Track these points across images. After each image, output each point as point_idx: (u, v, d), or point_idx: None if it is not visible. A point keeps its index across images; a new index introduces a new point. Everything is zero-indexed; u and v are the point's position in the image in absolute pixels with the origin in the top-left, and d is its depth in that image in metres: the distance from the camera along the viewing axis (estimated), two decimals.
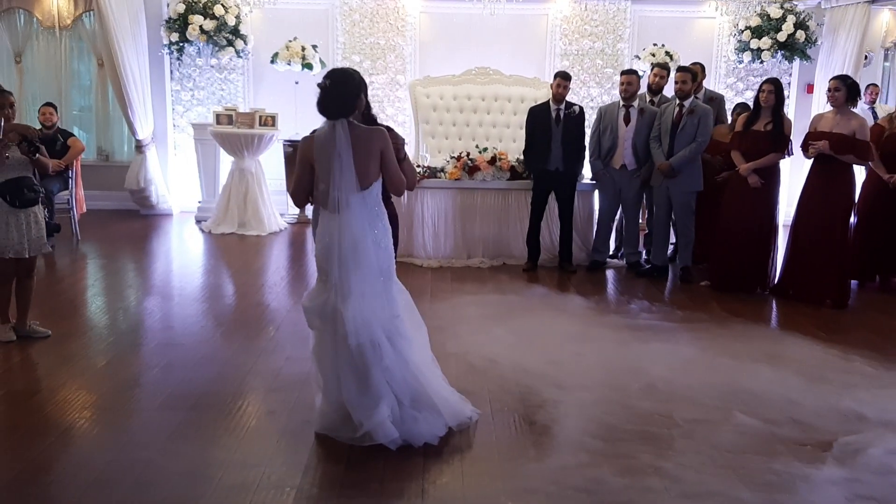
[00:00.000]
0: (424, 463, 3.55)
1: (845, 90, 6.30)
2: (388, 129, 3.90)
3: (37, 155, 4.96)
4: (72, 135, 8.40)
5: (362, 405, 3.62)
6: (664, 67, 7.57)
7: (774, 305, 6.49)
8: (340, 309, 3.60)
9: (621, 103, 7.30)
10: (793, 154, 6.67)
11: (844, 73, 8.77)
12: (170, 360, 4.86)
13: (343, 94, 3.59)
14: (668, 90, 7.55)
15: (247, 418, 4.03)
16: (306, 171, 3.69)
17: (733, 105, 7.96)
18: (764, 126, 6.49)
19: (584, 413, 4.12)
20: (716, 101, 7.59)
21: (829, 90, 6.38)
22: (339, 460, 3.56)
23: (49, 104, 8.37)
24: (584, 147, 7.47)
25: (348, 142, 3.54)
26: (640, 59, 9.48)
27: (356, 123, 3.65)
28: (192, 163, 9.86)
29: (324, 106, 3.59)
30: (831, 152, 6.25)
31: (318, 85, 3.62)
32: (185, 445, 3.71)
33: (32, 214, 5.04)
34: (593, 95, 10.01)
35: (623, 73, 7.34)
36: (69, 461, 3.55)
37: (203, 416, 4.02)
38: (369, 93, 3.87)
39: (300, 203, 3.87)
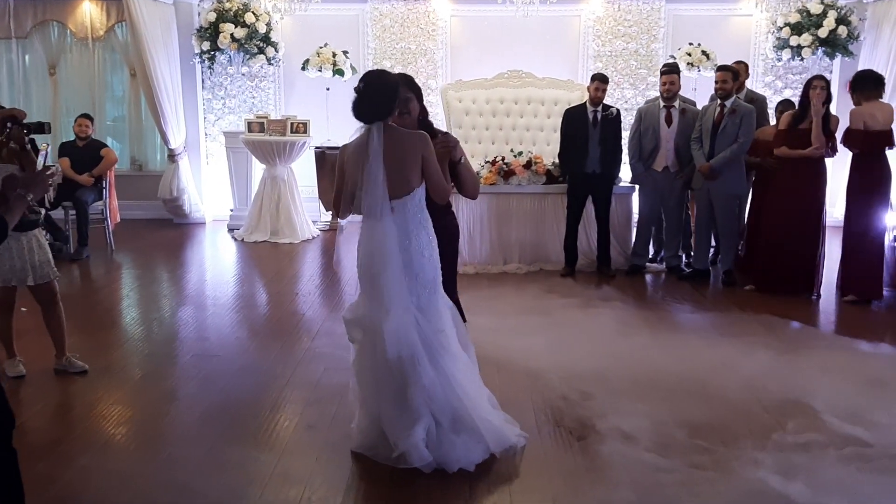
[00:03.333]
0: (471, 484, 3.41)
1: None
2: (445, 133, 3.73)
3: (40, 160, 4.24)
4: (105, 145, 8.41)
5: (399, 424, 3.48)
6: (672, 71, 7.19)
7: (826, 308, 6.28)
8: (380, 322, 3.47)
9: (662, 104, 7.13)
10: (837, 152, 6.48)
11: (889, 68, 8.57)
12: (206, 372, 4.79)
13: (377, 96, 3.44)
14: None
15: (286, 432, 3.93)
16: (342, 179, 3.57)
17: (774, 104, 7.74)
18: (809, 124, 6.31)
19: (638, 426, 3.97)
20: (757, 101, 7.36)
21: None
22: (381, 480, 3.44)
23: (85, 115, 8.39)
24: (622, 149, 7.33)
25: (380, 146, 3.39)
26: (675, 58, 9.27)
27: (395, 127, 3.51)
28: (225, 171, 9.84)
29: (358, 109, 3.45)
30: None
31: (354, 88, 3.49)
32: (223, 461, 3.62)
33: (34, 238, 4.57)
34: (627, 97, 9.84)
35: (664, 72, 7.17)
36: (108, 478, 3.48)
37: (241, 431, 3.94)
38: None
39: (342, 214, 3.67)
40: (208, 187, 10.17)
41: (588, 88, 7.26)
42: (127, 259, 8.13)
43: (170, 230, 9.64)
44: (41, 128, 4.16)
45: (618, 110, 7.26)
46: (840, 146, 6.45)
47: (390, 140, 3.43)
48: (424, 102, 3.98)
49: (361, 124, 3.48)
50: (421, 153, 3.48)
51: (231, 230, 9.48)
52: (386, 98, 3.45)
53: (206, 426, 4.00)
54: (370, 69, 3.68)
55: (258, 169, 9.53)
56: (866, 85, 6.28)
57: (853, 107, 6.33)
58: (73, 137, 8.37)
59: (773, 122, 7.46)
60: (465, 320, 4.07)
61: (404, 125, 3.62)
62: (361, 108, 3.45)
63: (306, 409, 4.21)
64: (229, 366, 4.90)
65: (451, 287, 3.98)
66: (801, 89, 6.65)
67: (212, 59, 9.56)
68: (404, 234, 3.50)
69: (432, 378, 3.49)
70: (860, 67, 9.15)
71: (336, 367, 4.74)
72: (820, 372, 4.77)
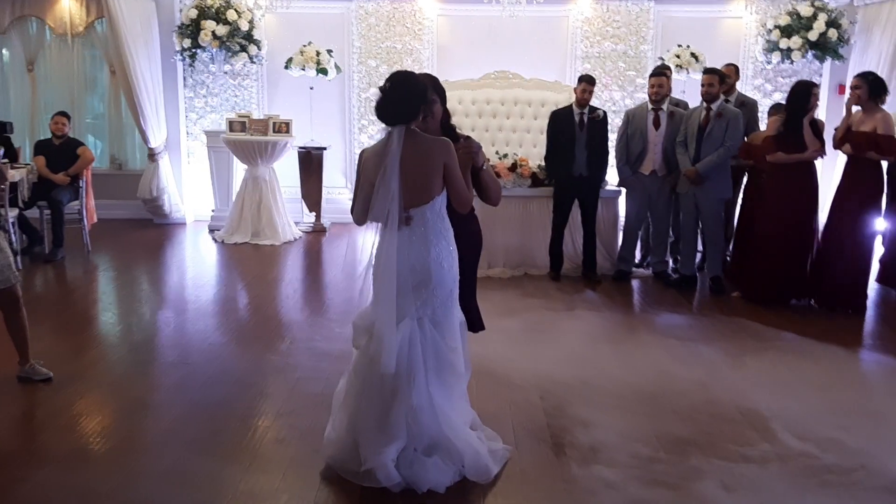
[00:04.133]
0: (446, 501, 3.27)
1: (867, 87, 6.08)
2: (467, 137, 3.58)
3: None
4: (81, 144, 8.22)
5: (374, 440, 3.33)
6: (661, 73, 7.07)
7: (813, 317, 6.16)
8: (386, 332, 3.31)
9: (650, 106, 7.01)
10: (826, 155, 6.38)
11: (880, 73, 8.46)
12: (177, 380, 4.64)
13: (402, 97, 3.26)
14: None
15: (254, 446, 3.77)
16: (366, 186, 3.38)
17: (766, 107, 7.63)
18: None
19: (617, 436, 3.86)
20: (748, 106, 7.24)
21: (851, 88, 6.18)
22: (351, 499, 3.29)
23: (62, 113, 8.18)
24: (609, 152, 7.20)
25: (399, 151, 3.22)
26: (664, 60, 9.16)
27: (418, 132, 3.33)
28: (206, 171, 9.67)
29: (381, 110, 3.29)
30: (852, 152, 6.07)
31: (379, 88, 3.33)
32: (188, 475, 3.48)
33: None
34: (615, 99, 9.73)
35: (653, 74, 7.04)
36: (65, 494, 3.32)
37: (208, 443, 3.78)
38: None
39: (361, 221, 3.48)
40: (189, 187, 9.99)
41: (575, 90, 7.13)
42: (104, 260, 7.95)
43: (149, 231, 9.46)
44: (3, 128, 3.99)
45: (605, 112, 7.13)
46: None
47: (412, 146, 3.27)
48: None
49: (383, 126, 3.32)
50: (443, 161, 3.31)
51: (212, 231, 9.32)
52: (412, 101, 3.29)
53: (172, 438, 3.84)
54: (397, 70, 3.52)
55: (240, 169, 9.36)
56: (882, 89, 6.16)
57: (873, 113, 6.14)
58: (49, 135, 8.18)
59: (761, 127, 7.36)
60: (483, 328, 4.00)
61: (427, 129, 3.45)
62: (385, 110, 3.28)
63: (277, 421, 4.06)
64: (201, 374, 4.74)
65: (470, 293, 3.86)
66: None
67: (193, 56, 9.39)
68: (423, 244, 3.34)
69: (422, 400, 3.35)
70: (850, 71, 9.09)
71: (310, 376, 4.61)
72: (801, 383, 4.67)
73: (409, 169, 3.25)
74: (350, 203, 3.61)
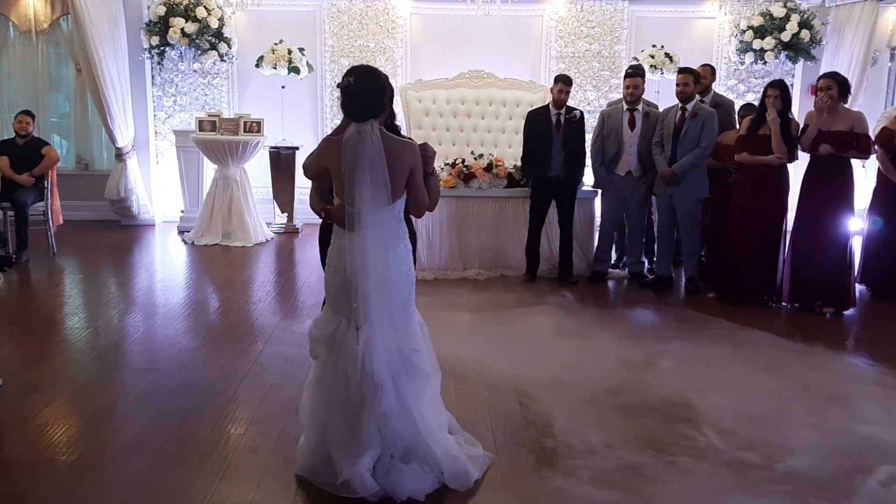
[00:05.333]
0: None
1: (837, 87, 6.07)
2: (424, 144, 3.48)
3: None
4: (46, 143, 8.01)
5: (346, 451, 3.23)
6: (636, 74, 7.00)
7: (787, 316, 6.17)
8: (351, 340, 3.22)
9: (625, 107, 6.97)
10: (797, 158, 6.38)
11: (851, 73, 8.53)
12: (144, 387, 4.49)
13: (370, 91, 3.16)
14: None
15: (226, 455, 3.65)
16: (326, 178, 3.30)
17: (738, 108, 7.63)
18: (768, 130, 6.21)
19: (596, 440, 3.80)
20: (724, 106, 7.24)
21: (821, 89, 6.11)
22: None
23: (26, 112, 7.96)
24: (585, 153, 7.15)
25: (381, 147, 3.11)
26: (638, 60, 9.15)
27: (385, 132, 3.22)
28: (175, 171, 9.49)
29: (349, 106, 3.16)
30: (833, 152, 6.03)
31: (339, 84, 3.20)
32: (157, 487, 3.35)
33: None
34: (590, 99, 9.71)
35: (628, 74, 6.99)
36: (35, 500, 3.21)
37: (178, 453, 3.66)
38: None
39: (316, 206, 3.44)
40: (158, 188, 9.81)
41: (551, 90, 7.07)
42: (70, 263, 7.76)
43: (117, 232, 9.26)
44: None
45: (581, 113, 7.08)
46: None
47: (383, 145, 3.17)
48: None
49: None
50: (411, 165, 3.23)
51: (181, 232, 9.14)
52: (378, 94, 3.18)
53: (140, 448, 3.71)
54: (355, 65, 3.40)
55: (210, 169, 9.20)
56: (849, 89, 6.22)
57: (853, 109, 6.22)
58: (13, 135, 7.96)
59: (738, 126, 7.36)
60: None
61: None
62: (353, 105, 3.16)
63: (249, 428, 3.94)
64: (170, 380, 4.60)
65: None
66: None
67: (161, 54, 9.21)
68: (386, 247, 3.24)
69: (392, 406, 3.25)
70: (822, 72, 9.14)
71: (283, 382, 4.50)
72: (776, 385, 4.65)
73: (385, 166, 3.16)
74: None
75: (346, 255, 3.22)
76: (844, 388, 4.65)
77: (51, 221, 7.93)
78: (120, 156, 9.23)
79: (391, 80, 3.40)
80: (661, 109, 7.16)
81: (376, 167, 3.12)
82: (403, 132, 3.81)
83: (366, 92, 3.17)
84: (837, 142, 6.02)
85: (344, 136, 3.19)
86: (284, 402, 4.18)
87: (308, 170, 3.45)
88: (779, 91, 6.20)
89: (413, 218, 3.72)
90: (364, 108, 3.16)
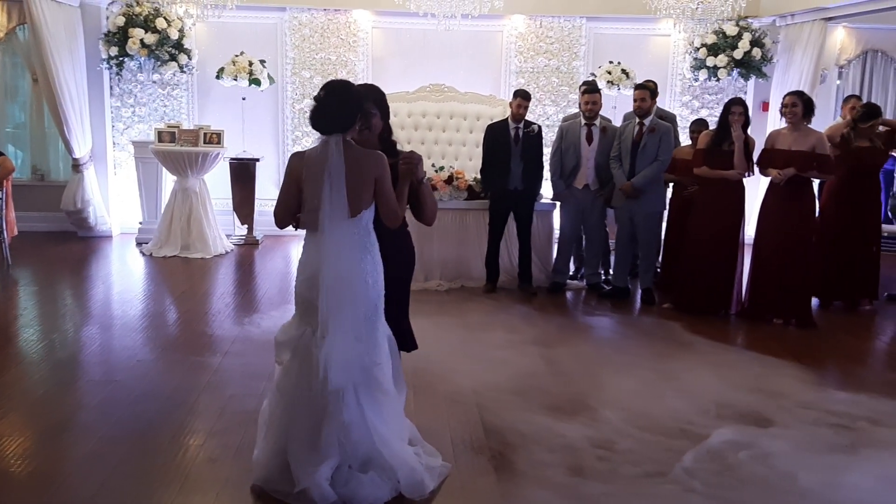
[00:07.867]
0: None
1: (802, 105, 6.21)
2: (411, 153, 3.53)
3: None
4: (2, 154, 7.89)
5: (305, 460, 3.25)
6: (595, 90, 7.18)
7: (740, 327, 6.32)
8: (315, 347, 3.25)
9: (583, 122, 7.10)
10: (753, 174, 6.54)
11: (800, 90, 8.76)
12: (103, 399, 4.45)
13: (338, 106, 3.21)
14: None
15: (185, 466, 3.65)
16: (292, 189, 3.32)
17: (689, 123, 7.81)
18: (729, 146, 6.36)
19: (555, 448, 3.87)
20: (667, 120, 7.41)
21: (786, 106, 6.27)
22: None
23: None
24: (543, 166, 7.27)
25: (341, 160, 3.16)
26: (595, 76, 9.32)
27: (352, 144, 3.27)
28: (133, 182, 9.40)
29: (316, 119, 3.22)
30: (797, 173, 6.17)
31: (314, 97, 3.27)
32: (117, 498, 3.34)
33: None
34: (549, 114, 9.85)
35: (586, 91, 7.13)
36: None
37: (137, 465, 3.64)
38: None
39: (282, 224, 3.44)
40: (115, 199, 9.69)
41: (510, 104, 7.18)
42: (25, 274, 7.63)
43: (73, 244, 9.13)
44: None
45: (539, 127, 7.20)
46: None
47: (347, 157, 3.20)
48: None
49: (319, 136, 3.25)
50: (375, 175, 3.26)
51: (139, 244, 9.05)
52: (347, 109, 3.23)
53: (98, 460, 3.68)
54: (333, 79, 3.44)
55: (169, 180, 9.13)
56: (813, 109, 6.32)
57: (769, 129, 6.37)
58: None
59: (682, 141, 7.53)
60: (416, 347, 3.91)
61: (364, 142, 3.39)
62: (320, 119, 3.22)
63: (209, 440, 3.93)
64: (128, 392, 4.57)
65: (402, 313, 3.80)
66: (717, 109, 6.73)
67: (120, 65, 9.14)
68: (351, 258, 3.28)
69: (353, 416, 3.28)
70: (774, 89, 9.41)
71: (243, 392, 4.50)
72: (727, 391, 4.77)
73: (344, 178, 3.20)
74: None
75: (312, 262, 3.27)
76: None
77: (5, 233, 7.80)
78: (77, 166, 9.11)
79: None
80: (614, 123, 7.32)
81: (336, 181, 3.17)
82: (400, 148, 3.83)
83: (333, 106, 3.22)
84: (800, 161, 6.15)
85: (310, 149, 3.25)
86: (244, 412, 4.17)
87: (279, 205, 3.42)
88: (742, 108, 6.36)
89: (411, 231, 3.76)
90: (327, 121, 3.22)
